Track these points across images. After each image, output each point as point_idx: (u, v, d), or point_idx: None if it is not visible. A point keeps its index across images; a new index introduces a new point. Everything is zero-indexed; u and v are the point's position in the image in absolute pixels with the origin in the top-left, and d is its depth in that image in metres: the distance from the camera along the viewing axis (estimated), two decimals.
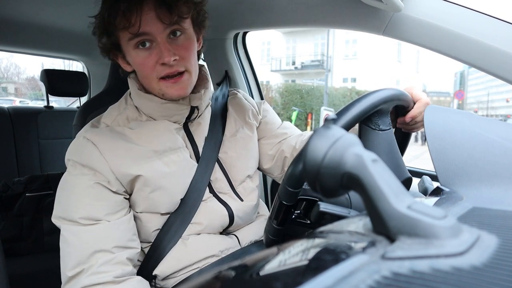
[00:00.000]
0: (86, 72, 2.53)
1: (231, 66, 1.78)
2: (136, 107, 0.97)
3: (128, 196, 0.90)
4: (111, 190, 0.86)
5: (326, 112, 11.92)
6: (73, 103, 2.89)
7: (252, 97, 1.87)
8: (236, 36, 1.77)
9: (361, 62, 20.87)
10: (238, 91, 1.21)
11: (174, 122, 0.96)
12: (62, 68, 2.63)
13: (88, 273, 0.79)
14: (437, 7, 0.97)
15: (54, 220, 0.86)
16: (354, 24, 1.14)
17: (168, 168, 0.91)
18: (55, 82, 2.12)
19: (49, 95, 2.19)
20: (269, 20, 1.45)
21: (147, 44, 0.86)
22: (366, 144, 0.81)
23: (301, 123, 14.83)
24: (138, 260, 0.93)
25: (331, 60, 21.97)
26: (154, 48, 0.86)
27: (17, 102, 12.41)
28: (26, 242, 1.57)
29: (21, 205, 1.58)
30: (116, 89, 1.23)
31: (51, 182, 1.66)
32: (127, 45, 0.88)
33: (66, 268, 0.80)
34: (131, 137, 0.91)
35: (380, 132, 0.82)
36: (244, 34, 1.82)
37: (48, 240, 1.60)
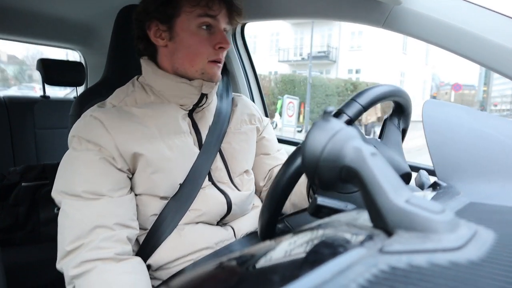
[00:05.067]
0: (83, 61, 2.51)
1: (229, 58, 1.77)
2: (144, 89, 0.99)
3: (131, 176, 0.91)
4: (116, 167, 0.87)
5: (289, 100, 11.64)
6: (70, 93, 2.87)
7: (250, 88, 1.87)
8: (234, 28, 1.76)
9: (366, 54, 20.92)
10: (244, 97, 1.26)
11: (181, 106, 0.98)
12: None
13: (88, 248, 0.78)
14: (436, 0, 0.96)
15: (54, 194, 0.86)
16: (354, 16, 1.14)
17: (170, 152, 0.93)
18: (51, 71, 2.10)
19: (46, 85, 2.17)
20: (268, 11, 1.44)
21: (208, 28, 0.94)
22: (387, 140, 0.87)
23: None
24: (132, 250, 0.93)
25: (337, 52, 22.10)
26: (212, 34, 0.94)
27: (37, 89, 12.32)
28: (22, 232, 1.57)
29: (16, 195, 1.57)
30: (113, 79, 1.22)
31: (47, 172, 1.65)
32: (190, 21, 0.92)
33: (65, 242, 0.80)
34: (138, 116, 0.93)
35: (398, 131, 0.88)
36: (243, 26, 1.80)
37: (44, 230, 1.59)
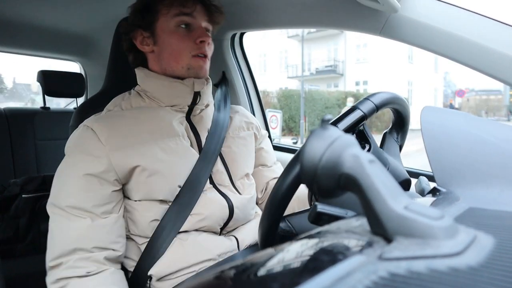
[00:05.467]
0: (83, 73, 2.52)
1: (229, 67, 1.78)
2: (139, 95, 1.03)
3: (119, 188, 0.92)
4: (104, 182, 0.88)
5: (272, 113, 12.18)
6: (70, 104, 2.88)
7: (250, 98, 1.87)
8: (233, 37, 1.77)
9: (372, 66, 21.12)
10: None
11: (176, 107, 1.01)
12: None
13: (65, 266, 0.83)
14: (433, 8, 0.97)
15: (47, 207, 0.89)
16: (351, 24, 1.15)
17: (165, 154, 0.94)
18: (51, 83, 2.11)
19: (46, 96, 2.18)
20: (266, 20, 1.45)
21: (187, 27, 0.99)
22: (387, 150, 0.90)
23: (296, 125, 16.23)
24: (133, 260, 0.94)
25: (343, 65, 22.54)
26: (192, 31, 0.99)
27: None
28: (22, 243, 1.56)
29: (17, 206, 1.56)
30: (113, 90, 1.23)
31: (47, 183, 1.64)
32: (168, 21, 0.98)
33: (49, 258, 0.85)
34: (132, 119, 0.96)
35: (397, 144, 0.92)
36: (241, 35, 1.82)
37: (44, 242, 1.57)
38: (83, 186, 0.86)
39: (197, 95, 1.02)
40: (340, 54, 22.91)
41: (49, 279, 0.84)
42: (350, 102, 13.39)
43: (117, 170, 0.89)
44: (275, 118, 12.13)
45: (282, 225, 0.70)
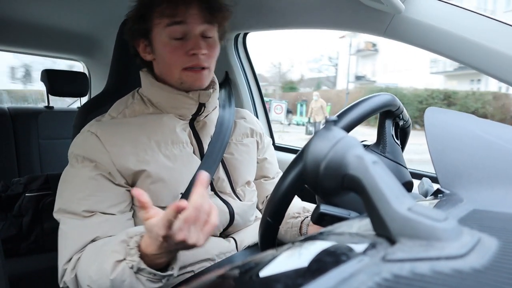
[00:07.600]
0: (86, 72, 2.53)
1: (232, 67, 1.78)
2: (143, 101, 1.01)
3: (130, 189, 0.91)
4: (113, 182, 0.88)
5: (276, 104, 14.10)
6: (73, 103, 2.88)
7: (253, 97, 1.87)
8: (236, 37, 1.77)
9: None
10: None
11: (180, 117, 0.99)
12: None
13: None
14: (437, 8, 0.97)
15: (55, 214, 0.87)
16: (355, 25, 1.14)
17: (169, 162, 0.93)
18: (55, 82, 2.12)
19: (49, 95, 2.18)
20: (269, 21, 1.45)
21: (181, 36, 0.92)
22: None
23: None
24: None
25: None
26: (187, 41, 0.92)
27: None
28: (25, 242, 1.56)
29: (20, 205, 1.57)
30: (116, 89, 1.23)
31: (50, 182, 1.65)
32: (161, 32, 0.92)
33: (63, 260, 0.82)
34: (135, 128, 0.93)
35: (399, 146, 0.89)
36: (245, 35, 1.81)
37: (48, 240, 1.59)
38: (95, 187, 0.86)
39: (202, 105, 1.00)
40: None
41: (67, 276, 0.81)
42: (315, 96, 14.28)
43: (123, 174, 0.89)
44: (280, 107, 14.58)
45: None
